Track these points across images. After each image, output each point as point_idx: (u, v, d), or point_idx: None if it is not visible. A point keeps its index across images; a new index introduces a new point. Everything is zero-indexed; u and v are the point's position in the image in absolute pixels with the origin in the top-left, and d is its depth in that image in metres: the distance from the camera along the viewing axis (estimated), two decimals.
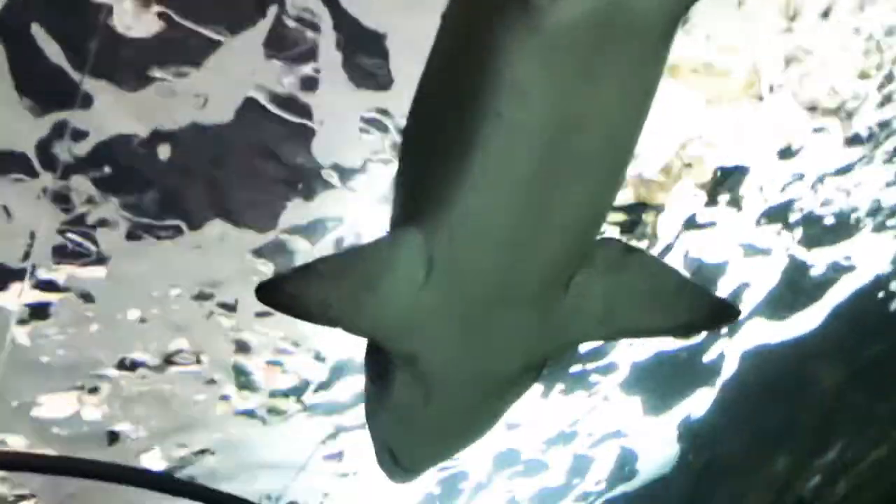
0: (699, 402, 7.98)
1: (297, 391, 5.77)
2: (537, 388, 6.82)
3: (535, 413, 6.95)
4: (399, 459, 2.38)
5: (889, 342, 7.58)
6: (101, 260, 4.35)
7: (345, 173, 4.24)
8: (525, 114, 1.51)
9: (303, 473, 6.60)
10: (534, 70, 1.46)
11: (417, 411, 2.11)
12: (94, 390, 5.21)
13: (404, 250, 1.78)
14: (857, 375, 7.83)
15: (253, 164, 4.09)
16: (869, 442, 7.57)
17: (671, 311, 1.99)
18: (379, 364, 2.12)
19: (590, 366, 6.75)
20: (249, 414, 5.80)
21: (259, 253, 4.56)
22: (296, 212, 4.35)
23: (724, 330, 7.18)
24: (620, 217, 5.45)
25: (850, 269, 7.21)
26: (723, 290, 6.72)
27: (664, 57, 1.52)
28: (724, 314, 2.12)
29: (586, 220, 1.74)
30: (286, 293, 1.89)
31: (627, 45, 1.42)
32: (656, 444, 8.53)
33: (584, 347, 6.56)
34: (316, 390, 5.76)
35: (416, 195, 1.84)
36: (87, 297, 4.55)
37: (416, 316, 1.86)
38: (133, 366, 5.11)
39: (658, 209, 5.50)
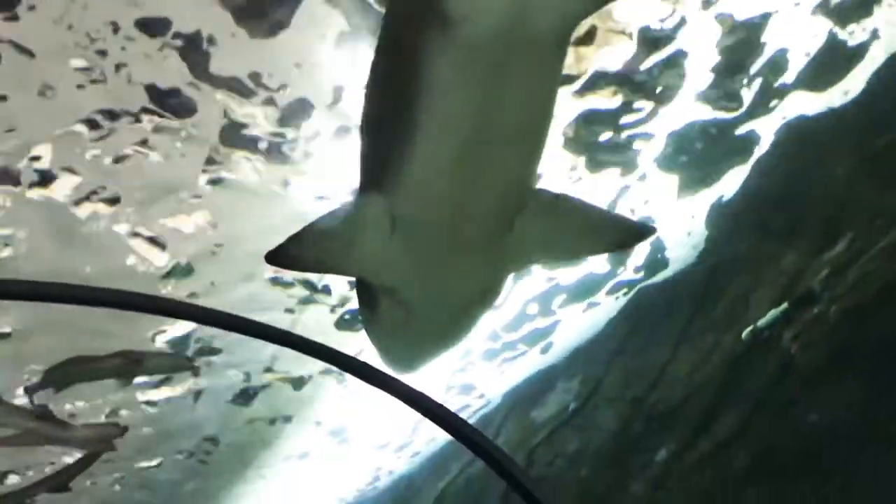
0: (731, 182, 7.97)
1: None
2: (571, 165, 6.74)
3: (571, 190, 6.89)
4: (396, 360, 2.90)
5: None
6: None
7: None
8: (450, 105, 1.98)
9: None
10: (454, 72, 1.92)
11: (402, 327, 2.65)
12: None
13: (371, 212, 2.29)
14: (869, 165, 7.80)
15: None
16: (877, 232, 7.61)
17: (598, 238, 2.54)
18: (367, 294, 2.67)
19: (625, 134, 6.58)
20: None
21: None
22: None
23: (773, 102, 7.01)
24: None
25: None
26: (766, 53, 6.49)
27: (563, 55, 2.00)
28: (642, 233, 2.61)
29: (516, 178, 2.22)
30: (288, 257, 2.40)
31: (529, 50, 1.87)
32: (685, 231, 8.62)
33: (622, 119, 6.43)
34: None
35: (377, 167, 2.30)
36: (27, 52, 4.06)
37: (390, 259, 2.38)
38: (95, 125, 4.62)
39: None
